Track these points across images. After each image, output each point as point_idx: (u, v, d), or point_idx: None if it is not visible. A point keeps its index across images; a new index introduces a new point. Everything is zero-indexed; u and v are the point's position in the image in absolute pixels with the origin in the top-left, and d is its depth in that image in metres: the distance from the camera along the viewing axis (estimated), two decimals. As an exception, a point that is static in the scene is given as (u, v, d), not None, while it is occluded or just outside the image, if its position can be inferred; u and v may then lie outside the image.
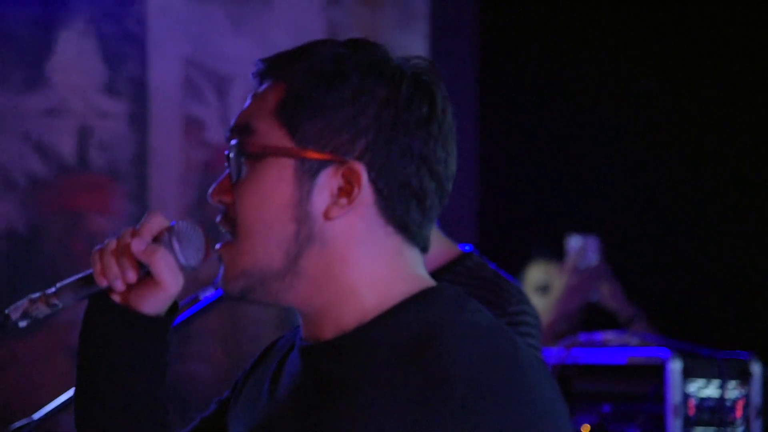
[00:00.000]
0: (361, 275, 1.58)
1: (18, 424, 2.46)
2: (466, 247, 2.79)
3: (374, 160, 1.56)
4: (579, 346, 3.53)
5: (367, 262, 1.58)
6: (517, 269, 4.23)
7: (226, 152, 1.63)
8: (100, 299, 1.65)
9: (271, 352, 1.74)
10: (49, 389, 2.67)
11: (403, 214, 1.58)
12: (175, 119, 4.90)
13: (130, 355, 1.64)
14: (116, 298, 1.64)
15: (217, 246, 1.63)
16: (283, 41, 4.99)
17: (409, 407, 1.47)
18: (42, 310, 1.65)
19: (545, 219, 4.89)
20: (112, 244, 1.63)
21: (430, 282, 1.61)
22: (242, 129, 1.61)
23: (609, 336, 3.60)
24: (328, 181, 1.56)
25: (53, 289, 1.65)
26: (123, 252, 1.62)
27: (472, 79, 5.06)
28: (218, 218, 1.63)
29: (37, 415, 2.45)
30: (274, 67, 1.63)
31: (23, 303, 1.65)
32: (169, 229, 1.63)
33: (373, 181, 1.56)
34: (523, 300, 2.65)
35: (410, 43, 5.13)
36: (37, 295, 1.66)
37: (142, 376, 1.65)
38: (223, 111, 4.94)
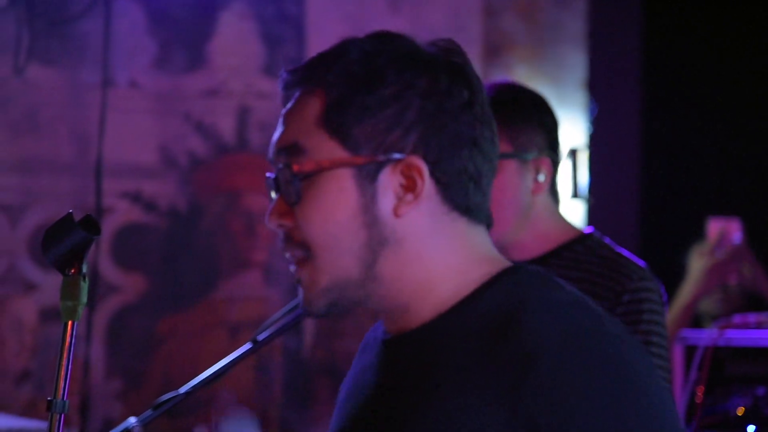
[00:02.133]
0: (436, 267, 1.59)
1: (165, 397, 2.52)
2: (586, 228, 2.78)
3: (428, 151, 1.57)
4: (733, 328, 3.46)
5: (440, 253, 1.60)
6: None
7: (270, 175, 1.63)
8: None
9: (366, 348, 1.76)
10: (205, 362, 2.72)
11: (464, 198, 1.60)
12: (331, 100, 4.94)
13: None
14: None
15: (292, 268, 1.64)
16: (440, 21, 5.00)
17: (499, 386, 1.48)
18: None
19: (698, 202, 4.80)
20: None
21: (504, 262, 1.63)
22: (290, 150, 1.61)
23: (764, 317, 3.52)
24: (389, 181, 1.57)
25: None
26: None
27: (634, 58, 4.99)
28: (280, 244, 1.63)
29: (183, 389, 2.51)
30: (304, 76, 1.63)
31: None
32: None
33: (431, 171, 1.57)
34: (645, 277, 2.61)
35: (568, 21, 5.09)
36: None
37: None
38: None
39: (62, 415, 1.72)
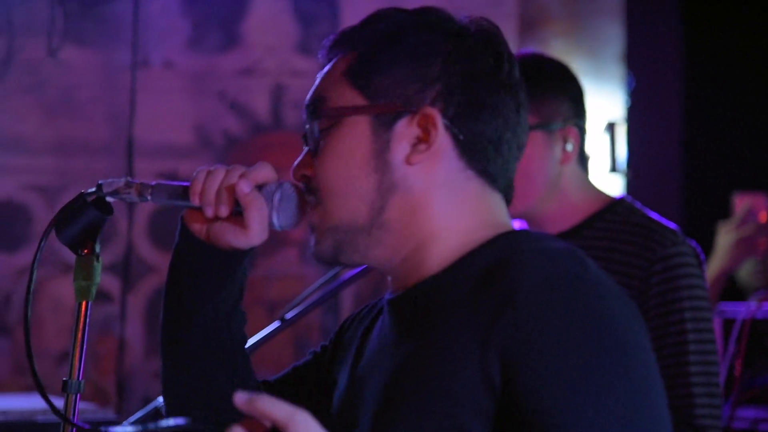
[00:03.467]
0: (443, 220, 1.62)
1: None
2: (617, 195, 2.77)
3: (446, 108, 1.61)
4: (771, 301, 3.43)
5: (449, 207, 1.62)
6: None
7: (304, 132, 1.67)
8: (184, 229, 1.72)
9: (364, 313, 1.79)
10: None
11: (481, 160, 1.62)
12: (366, 77, 4.93)
13: (202, 280, 1.71)
14: (199, 219, 1.70)
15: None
16: (474, -3, 4.96)
17: (478, 325, 1.50)
18: (132, 196, 1.70)
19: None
20: (220, 173, 1.67)
21: (512, 228, 1.65)
22: (315, 102, 1.66)
23: (803, 290, 3.49)
24: (405, 131, 1.61)
25: (153, 183, 1.71)
26: (226, 186, 1.66)
27: (673, 30, 4.94)
28: (304, 191, 1.67)
29: None
30: (339, 42, 1.67)
31: (120, 182, 1.70)
32: (277, 185, 1.67)
33: (448, 127, 1.61)
34: (679, 241, 2.60)
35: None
36: (135, 181, 1.71)
37: (213, 303, 1.72)
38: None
39: (77, 395, 1.72)
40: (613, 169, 4.88)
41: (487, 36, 1.65)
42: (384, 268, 1.66)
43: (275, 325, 2.58)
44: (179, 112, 4.76)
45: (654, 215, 2.69)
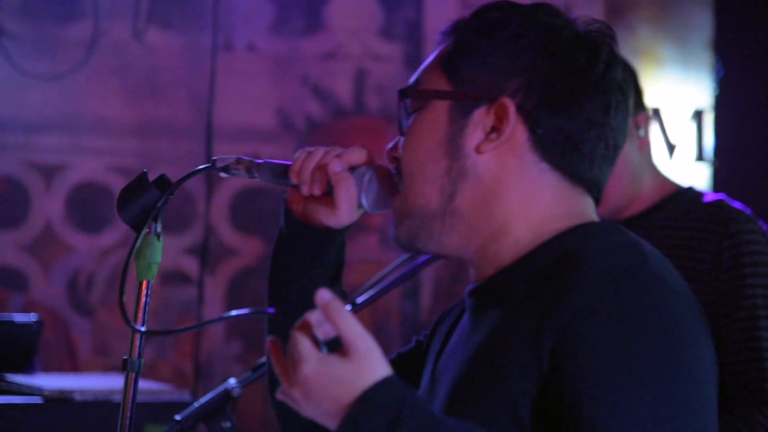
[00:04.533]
0: (514, 210, 1.62)
1: (265, 359, 2.52)
2: (685, 185, 2.77)
3: (527, 100, 1.61)
4: None
5: (520, 197, 1.62)
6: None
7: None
8: (285, 207, 1.80)
9: (456, 307, 1.81)
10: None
11: (558, 155, 1.62)
12: (449, 62, 4.90)
13: (298, 255, 1.78)
14: (297, 198, 1.77)
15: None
16: (560, -18, 4.91)
17: (540, 309, 1.51)
18: (240, 172, 1.76)
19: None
20: (318, 153, 1.72)
21: (589, 220, 1.65)
22: (409, 85, 1.69)
23: None
24: (481, 119, 1.62)
25: (259, 161, 1.77)
26: (321, 165, 1.71)
27: (764, 17, 4.85)
28: (394, 174, 1.70)
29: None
30: (448, 30, 1.70)
31: (231, 158, 1.76)
32: (368, 168, 1.71)
33: (526, 119, 1.61)
34: (748, 220, 2.61)
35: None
36: (245, 158, 1.77)
37: (310, 277, 1.77)
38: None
39: (136, 373, 1.73)
40: (700, 158, 4.80)
41: (588, 34, 1.64)
42: (461, 256, 1.68)
43: (347, 308, 2.58)
44: (261, 96, 4.76)
45: (726, 199, 2.69)
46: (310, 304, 1.72)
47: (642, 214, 2.71)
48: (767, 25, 4.86)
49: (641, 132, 2.73)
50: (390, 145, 1.71)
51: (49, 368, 4.28)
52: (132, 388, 1.71)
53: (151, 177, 1.79)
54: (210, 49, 4.67)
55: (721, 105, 4.82)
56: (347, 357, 1.40)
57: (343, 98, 4.83)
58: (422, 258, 2.66)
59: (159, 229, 1.76)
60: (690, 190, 2.75)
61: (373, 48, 4.86)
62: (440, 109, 1.64)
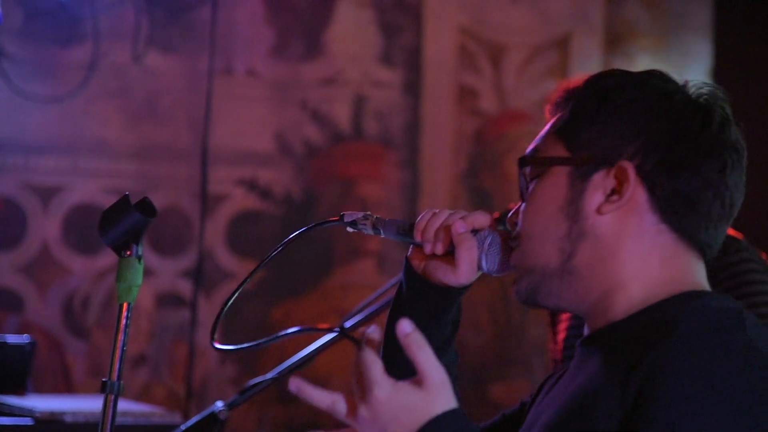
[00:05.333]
0: (631, 270, 1.68)
1: (253, 381, 2.52)
2: None
3: (645, 162, 1.67)
4: None
5: (638, 257, 1.68)
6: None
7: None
8: (406, 259, 1.87)
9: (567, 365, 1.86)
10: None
11: (676, 216, 1.68)
12: (448, 88, 4.90)
13: (417, 311, 1.84)
14: (419, 255, 1.85)
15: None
16: (560, 10, 4.92)
17: (634, 360, 1.57)
18: (367, 228, 1.87)
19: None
20: (443, 214, 1.82)
21: (703, 287, 1.70)
22: (530, 155, 1.77)
23: None
24: (601, 182, 1.68)
25: (385, 219, 1.87)
26: (445, 226, 1.81)
27: (762, 48, 4.86)
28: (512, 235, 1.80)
29: (270, 374, 2.51)
30: (562, 99, 1.77)
31: (359, 215, 1.87)
32: (490, 231, 1.81)
33: (644, 181, 1.67)
34: (743, 248, 2.62)
35: (693, 10, 4.97)
36: (370, 214, 1.87)
37: (428, 333, 1.75)
38: (497, 80, 4.91)
39: (116, 396, 1.73)
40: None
41: (700, 97, 1.70)
42: (576, 311, 1.75)
43: (334, 333, 2.58)
44: (260, 120, 4.77)
45: None
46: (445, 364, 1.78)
47: None
48: (766, 55, 4.87)
49: None
50: (512, 212, 1.79)
51: (43, 390, 4.27)
52: (111, 411, 1.70)
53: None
54: (208, 72, 4.67)
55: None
56: (421, 386, 1.49)
57: (341, 123, 4.83)
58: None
59: (140, 252, 1.76)
60: None
61: (373, 74, 4.86)
62: (560, 175, 1.71)
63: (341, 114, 4.83)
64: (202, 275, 4.65)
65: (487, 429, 1.93)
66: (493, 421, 1.94)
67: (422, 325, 1.77)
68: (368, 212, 1.87)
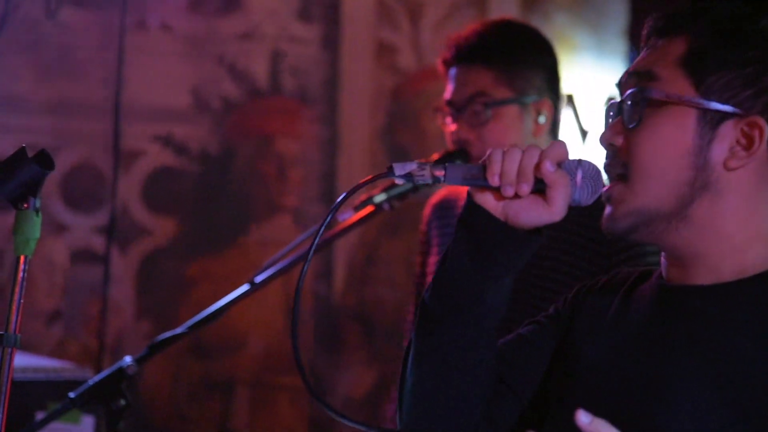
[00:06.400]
0: (746, 230, 1.64)
1: (162, 336, 2.52)
2: None
3: None
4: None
5: (755, 218, 1.64)
6: None
7: (617, 100, 1.70)
8: (475, 206, 1.72)
9: (608, 286, 1.79)
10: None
11: None
12: (366, 44, 4.89)
13: (495, 260, 1.70)
14: (496, 197, 1.70)
15: (604, 189, 1.70)
16: (477, -34, 4.92)
17: None
18: (425, 177, 1.71)
19: None
20: (517, 153, 1.68)
21: None
22: (643, 75, 1.67)
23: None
24: (729, 133, 1.62)
25: (445, 165, 1.72)
26: (527, 165, 1.68)
27: (679, 6, 4.90)
28: (605, 161, 1.71)
29: (180, 329, 2.51)
30: (673, 22, 1.69)
31: (412, 165, 1.71)
32: (579, 163, 1.70)
33: None
34: None
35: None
36: (426, 164, 1.72)
37: (500, 283, 1.72)
38: (415, 37, 4.91)
39: (12, 348, 1.71)
40: (612, 144, 4.85)
41: None
42: (670, 252, 1.69)
43: (245, 288, 2.58)
44: (176, 75, 4.72)
45: None
46: (503, 309, 1.73)
47: None
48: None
49: (541, 119, 2.73)
50: (609, 130, 1.70)
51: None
52: (8, 363, 1.69)
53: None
54: (120, 27, 4.61)
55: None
56: None
57: (259, 79, 4.80)
58: (322, 238, 2.66)
59: (38, 205, 1.73)
60: None
61: (290, 29, 4.83)
62: (688, 117, 1.64)
63: (258, 69, 4.80)
64: (116, 231, 4.61)
65: (505, 346, 1.82)
66: (510, 339, 1.84)
67: (504, 272, 1.71)
68: (420, 161, 1.74)
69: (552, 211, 1.69)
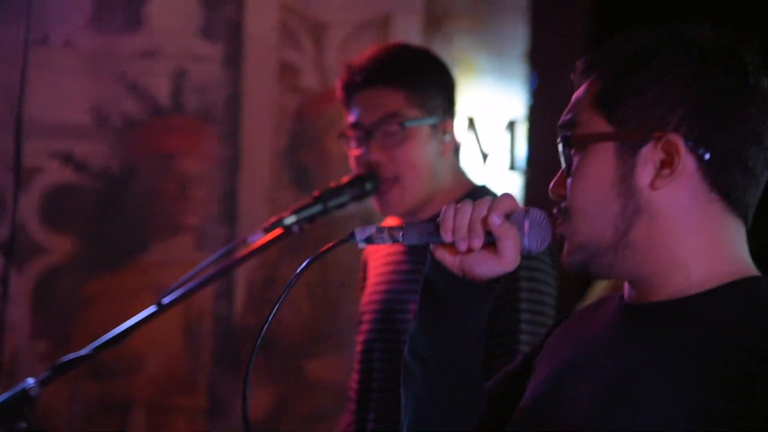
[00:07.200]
0: (687, 246, 1.69)
1: (68, 357, 2.49)
2: (478, 181, 2.84)
3: (690, 130, 1.67)
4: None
5: (693, 232, 1.69)
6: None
7: (560, 151, 1.77)
8: (435, 262, 1.82)
9: (575, 315, 1.89)
10: (135, 326, 2.69)
11: (726, 179, 1.68)
12: (269, 64, 4.89)
13: (457, 313, 1.81)
14: (451, 253, 1.81)
15: (558, 231, 1.78)
16: (380, -11, 4.95)
17: (735, 380, 1.57)
18: (384, 239, 1.82)
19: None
20: (467, 209, 1.78)
21: (753, 270, 1.71)
22: (567, 125, 1.76)
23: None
24: (650, 156, 1.68)
25: (400, 226, 1.83)
26: (476, 220, 1.77)
27: (578, 30, 4.98)
28: (554, 210, 1.78)
29: (85, 351, 2.49)
30: (590, 66, 1.78)
31: (371, 229, 1.82)
32: (525, 212, 1.78)
33: (693, 149, 1.67)
34: None
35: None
36: (385, 227, 1.83)
37: (465, 333, 1.83)
38: (318, 57, 4.92)
39: None
40: (512, 167, 4.90)
41: (731, 50, 1.70)
42: (626, 279, 1.76)
43: (152, 309, 2.57)
44: (77, 92, 4.68)
45: None
46: (475, 355, 1.83)
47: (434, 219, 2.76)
48: (580, 38, 5.00)
49: (446, 137, 2.78)
50: (555, 182, 1.78)
51: None
52: None
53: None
54: (23, 42, 4.56)
55: (534, 115, 4.93)
56: None
57: (161, 97, 4.77)
58: (229, 262, 2.66)
59: None
60: (479, 192, 2.79)
61: (192, 47, 4.81)
62: (606, 151, 1.71)
63: (161, 87, 4.77)
64: (14, 250, 4.54)
65: (493, 389, 1.91)
66: (498, 378, 1.94)
67: (467, 322, 1.82)
68: (378, 224, 1.85)
69: (504, 262, 1.78)
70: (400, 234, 1.82)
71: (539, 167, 4.88)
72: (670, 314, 1.69)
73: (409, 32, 4.90)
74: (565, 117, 1.77)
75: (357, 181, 2.76)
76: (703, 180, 1.69)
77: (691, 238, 1.69)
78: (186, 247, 4.73)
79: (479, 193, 2.79)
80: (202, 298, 4.58)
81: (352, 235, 1.81)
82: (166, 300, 2.56)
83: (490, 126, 4.85)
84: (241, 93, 4.85)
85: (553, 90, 5.14)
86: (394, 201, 2.77)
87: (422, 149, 2.76)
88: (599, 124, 1.72)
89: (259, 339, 1.84)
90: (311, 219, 2.73)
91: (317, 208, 2.72)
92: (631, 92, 1.70)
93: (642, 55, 1.71)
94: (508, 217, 1.78)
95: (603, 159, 1.71)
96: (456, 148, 2.84)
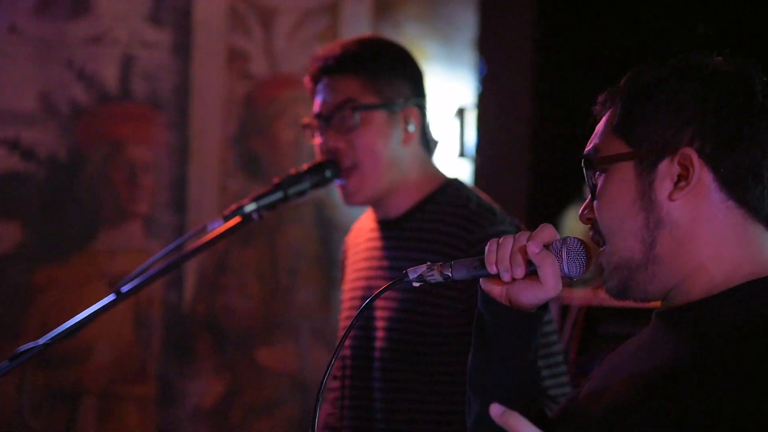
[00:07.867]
0: (710, 250, 1.80)
1: (24, 347, 2.47)
2: (450, 177, 2.85)
3: (704, 145, 1.78)
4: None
5: (714, 237, 1.80)
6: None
7: (585, 176, 1.89)
8: (484, 294, 1.94)
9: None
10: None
11: (741, 190, 1.79)
12: (218, 50, 4.87)
13: (507, 342, 1.94)
14: (497, 284, 1.92)
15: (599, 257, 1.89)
16: (330, -25, 4.94)
17: (753, 387, 1.65)
18: (435, 277, 1.93)
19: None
20: (509, 241, 1.90)
21: None
22: (591, 153, 1.88)
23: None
24: (666, 171, 1.80)
25: (449, 263, 1.93)
26: (518, 251, 1.89)
27: (526, 18, 4.99)
28: (591, 233, 1.89)
29: (42, 340, 2.47)
30: (609, 97, 1.90)
31: (422, 268, 1.93)
32: (562, 241, 1.88)
33: (707, 162, 1.78)
34: (498, 221, 2.72)
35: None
36: (433, 264, 1.93)
37: (517, 362, 1.94)
38: (267, 44, 4.91)
39: None
40: (462, 154, 4.92)
41: (737, 71, 1.82)
42: (660, 298, 1.85)
43: (110, 298, 2.55)
44: (23, 79, 4.64)
45: (482, 196, 2.76)
46: (530, 382, 1.98)
47: (406, 214, 2.78)
48: (529, 27, 5.02)
49: (410, 127, 2.78)
50: (583, 208, 1.89)
51: None
52: None
53: None
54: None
55: (483, 103, 4.95)
56: None
57: (109, 84, 4.75)
58: (188, 249, 2.65)
59: None
60: (451, 184, 2.80)
61: (141, 34, 4.79)
62: (626, 170, 1.83)
63: (108, 74, 4.74)
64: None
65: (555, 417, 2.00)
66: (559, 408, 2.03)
67: (518, 351, 1.94)
68: (429, 263, 1.93)
69: (546, 288, 1.89)
70: (450, 270, 1.92)
71: (488, 154, 4.90)
72: (697, 313, 1.79)
73: (358, 18, 4.90)
74: (588, 147, 1.89)
75: (317, 168, 2.76)
76: (720, 190, 1.79)
77: (711, 243, 1.80)
78: (136, 235, 4.71)
79: (451, 187, 2.81)
80: (152, 287, 4.56)
81: (405, 275, 1.93)
82: (125, 288, 2.54)
83: (439, 113, 4.86)
84: (190, 79, 4.83)
85: (501, 77, 5.17)
86: (354, 188, 2.78)
87: (380, 135, 2.76)
88: (619, 147, 1.84)
89: (333, 358, 1.92)
90: (271, 206, 2.73)
91: (277, 195, 2.73)
92: (645, 115, 1.82)
93: (654, 82, 1.84)
94: (547, 246, 1.88)
95: (624, 178, 1.83)
96: (426, 139, 2.84)
